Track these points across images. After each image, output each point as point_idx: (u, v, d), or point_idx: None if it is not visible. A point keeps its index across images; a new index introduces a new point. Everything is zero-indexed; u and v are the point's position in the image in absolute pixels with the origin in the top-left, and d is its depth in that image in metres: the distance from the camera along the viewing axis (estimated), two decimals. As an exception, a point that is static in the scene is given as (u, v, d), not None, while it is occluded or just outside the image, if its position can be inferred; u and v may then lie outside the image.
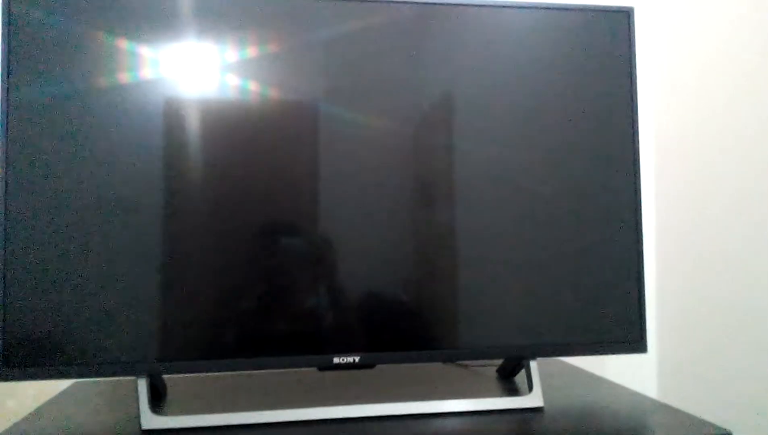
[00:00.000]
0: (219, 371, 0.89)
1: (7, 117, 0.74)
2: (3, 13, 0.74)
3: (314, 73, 0.80)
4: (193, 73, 0.78)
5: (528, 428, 0.74)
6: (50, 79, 0.75)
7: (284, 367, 0.80)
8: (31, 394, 1.07)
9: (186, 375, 0.98)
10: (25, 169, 0.74)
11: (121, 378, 0.95)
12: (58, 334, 0.74)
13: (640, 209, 0.86)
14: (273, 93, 0.79)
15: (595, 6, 0.87)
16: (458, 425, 0.75)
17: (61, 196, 0.75)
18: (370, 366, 0.80)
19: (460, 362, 1.05)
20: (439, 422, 0.76)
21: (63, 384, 0.97)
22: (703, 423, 0.74)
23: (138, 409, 0.74)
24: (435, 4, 0.83)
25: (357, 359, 0.79)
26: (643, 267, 0.86)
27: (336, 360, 0.78)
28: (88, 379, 0.97)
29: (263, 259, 0.79)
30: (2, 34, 0.74)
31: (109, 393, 0.92)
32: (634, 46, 0.87)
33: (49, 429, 0.75)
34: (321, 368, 0.80)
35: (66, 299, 0.74)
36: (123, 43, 0.76)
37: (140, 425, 0.73)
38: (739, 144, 1.11)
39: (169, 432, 0.73)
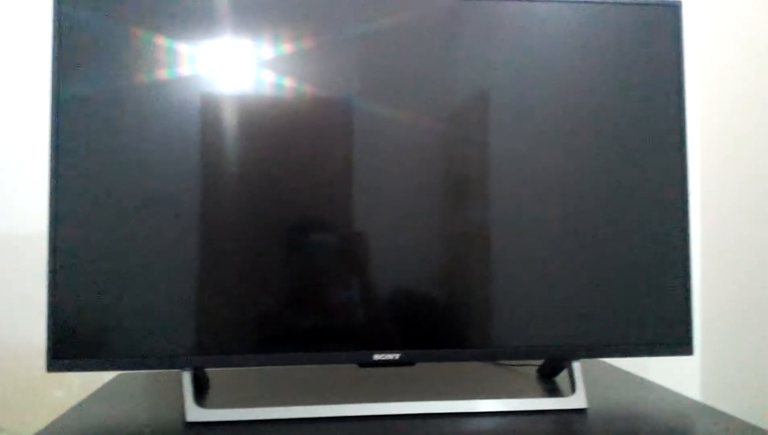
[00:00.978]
0: (261, 365, 0.90)
1: (57, 113, 0.76)
2: (53, 14, 0.76)
3: (348, 69, 0.80)
4: (229, 69, 0.78)
5: (572, 430, 0.73)
6: (96, 76, 0.76)
7: (324, 363, 0.80)
8: (78, 384, 1.09)
9: (227, 368, 0.99)
10: (73, 165, 0.76)
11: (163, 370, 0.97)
12: (105, 328, 0.75)
13: (688, 207, 0.84)
14: (307, 89, 0.79)
15: (642, 0, 0.85)
16: (500, 425, 0.74)
17: (107, 192, 0.76)
18: (410, 363, 0.80)
19: (499, 361, 1.04)
20: (479, 422, 0.75)
21: (107, 375, 0.99)
22: (748, 426, 0.72)
23: (181, 401, 0.76)
24: (473, -2, 0.82)
25: (397, 356, 0.79)
26: (690, 266, 0.84)
27: (377, 357, 0.79)
28: (131, 371, 0.99)
29: (303, 255, 0.79)
30: (53, 33, 0.76)
31: (152, 385, 0.94)
32: (683, 41, 0.85)
33: (96, 419, 0.77)
34: (361, 365, 0.80)
35: (112, 294, 0.76)
36: (163, 42, 0.77)
37: (185, 417, 0.75)
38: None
39: (213, 425, 0.74)
